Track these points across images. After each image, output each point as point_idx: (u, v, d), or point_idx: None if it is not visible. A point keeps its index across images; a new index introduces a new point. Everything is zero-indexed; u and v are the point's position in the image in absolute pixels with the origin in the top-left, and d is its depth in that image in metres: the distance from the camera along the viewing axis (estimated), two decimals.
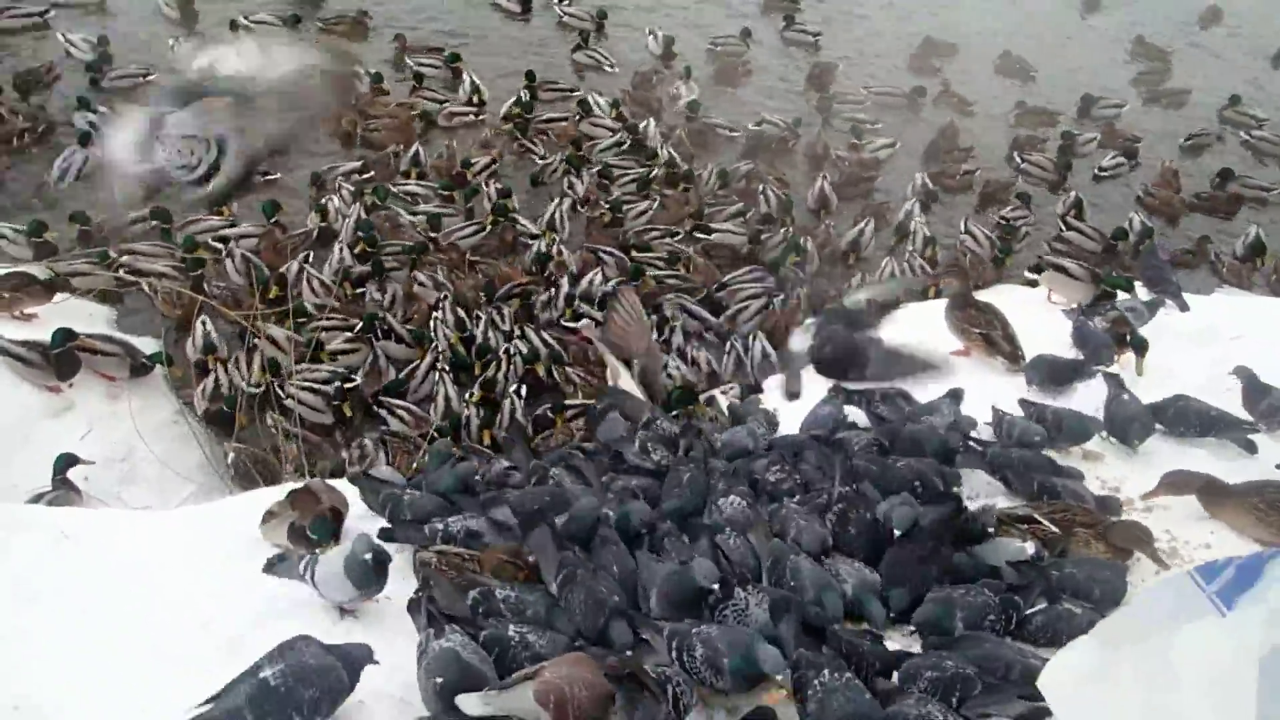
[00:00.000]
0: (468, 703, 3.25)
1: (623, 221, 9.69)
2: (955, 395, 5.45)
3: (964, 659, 3.34)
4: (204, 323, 7.85)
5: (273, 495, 5.49)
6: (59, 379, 7.05)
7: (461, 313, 8.32)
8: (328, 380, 7.59)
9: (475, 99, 11.74)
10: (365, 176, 10.07)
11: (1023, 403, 5.49)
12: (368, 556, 3.77)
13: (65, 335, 7.00)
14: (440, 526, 4.31)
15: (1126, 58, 14.99)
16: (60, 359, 6.99)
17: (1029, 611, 3.75)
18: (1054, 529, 4.22)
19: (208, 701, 3.15)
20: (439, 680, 3.24)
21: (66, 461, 6.36)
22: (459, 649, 3.34)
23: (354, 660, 3.32)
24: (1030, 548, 4.02)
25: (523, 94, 11.72)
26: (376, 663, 3.35)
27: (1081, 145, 12.34)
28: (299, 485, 4.95)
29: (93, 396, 7.25)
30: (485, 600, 3.73)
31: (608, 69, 12.98)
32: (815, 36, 14.34)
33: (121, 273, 8.43)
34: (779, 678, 3.28)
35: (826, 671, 3.22)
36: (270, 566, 4.08)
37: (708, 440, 5.13)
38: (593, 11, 13.98)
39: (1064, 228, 10.46)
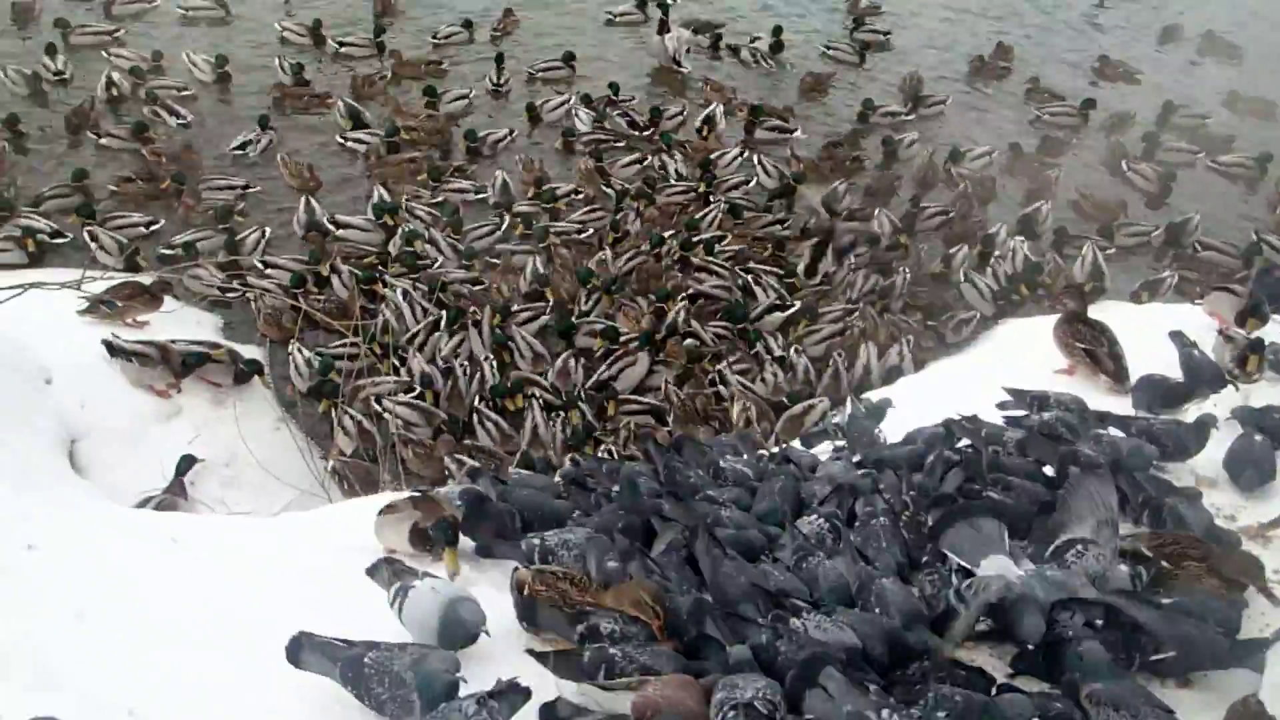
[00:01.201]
0: (567, 689, 3.31)
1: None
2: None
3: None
4: (300, 351, 7.94)
5: (371, 503, 5.63)
6: (177, 377, 7.35)
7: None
8: (393, 392, 7.73)
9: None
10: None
11: (1120, 418, 5.29)
12: (470, 625, 3.65)
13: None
14: (536, 542, 4.25)
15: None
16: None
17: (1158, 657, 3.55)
18: (1164, 564, 4.02)
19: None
20: None
21: (188, 463, 6.57)
22: None
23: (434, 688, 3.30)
24: (1124, 569, 3.86)
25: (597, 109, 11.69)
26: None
27: (1165, 151, 11.93)
28: (422, 491, 5.02)
29: (199, 402, 7.48)
30: (592, 635, 3.70)
31: (679, 68, 12.88)
32: (885, 36, 14.17)
33: (235, 283, 8.68)
34: None
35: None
36: (373, 571, 4.05)
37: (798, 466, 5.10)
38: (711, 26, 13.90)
39: (1198, 248, 10.09)
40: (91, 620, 3.74)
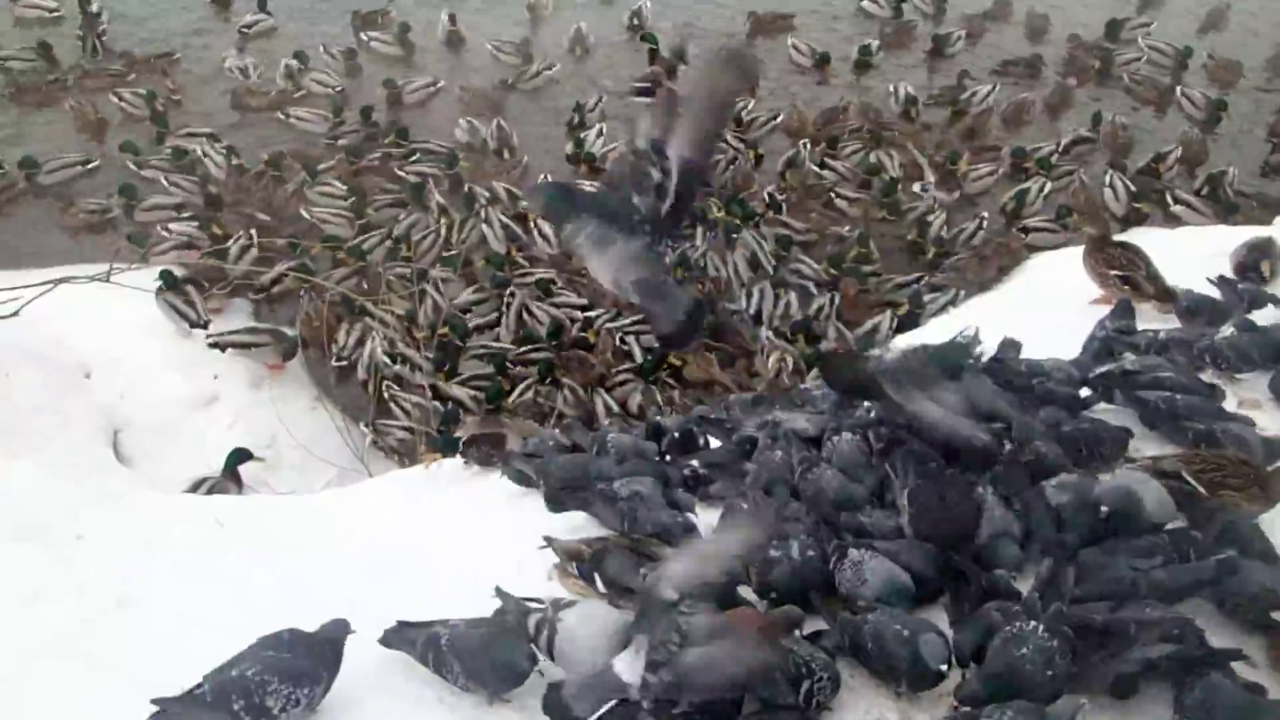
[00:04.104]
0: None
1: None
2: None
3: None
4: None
5: (410, 475, 5.67)
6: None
7: None
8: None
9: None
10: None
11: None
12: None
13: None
14: (610, 493, 4.07)
15: None
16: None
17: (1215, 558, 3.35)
18: (1201, 489, 3.81)
19: None
20: None
21: (239, 458, 6.63)
22: None
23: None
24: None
25: None
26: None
27: (1120, 66, 11.89)
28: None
29: (237, 388, 7.56)
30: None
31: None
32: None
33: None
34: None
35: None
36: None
37: None
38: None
39: None
40: (139, 604, 3.82)
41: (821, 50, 11.96)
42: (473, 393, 7.59)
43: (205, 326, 7.68)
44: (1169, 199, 9.44)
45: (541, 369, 7.72)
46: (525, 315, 8.25)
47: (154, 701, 3.02)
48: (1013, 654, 2.91)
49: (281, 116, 10.64)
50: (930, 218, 9.26)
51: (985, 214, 9.23)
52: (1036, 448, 3.92)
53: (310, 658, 3.14)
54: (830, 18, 13.14)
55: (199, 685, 3.07)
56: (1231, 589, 3.26)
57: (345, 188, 9.49)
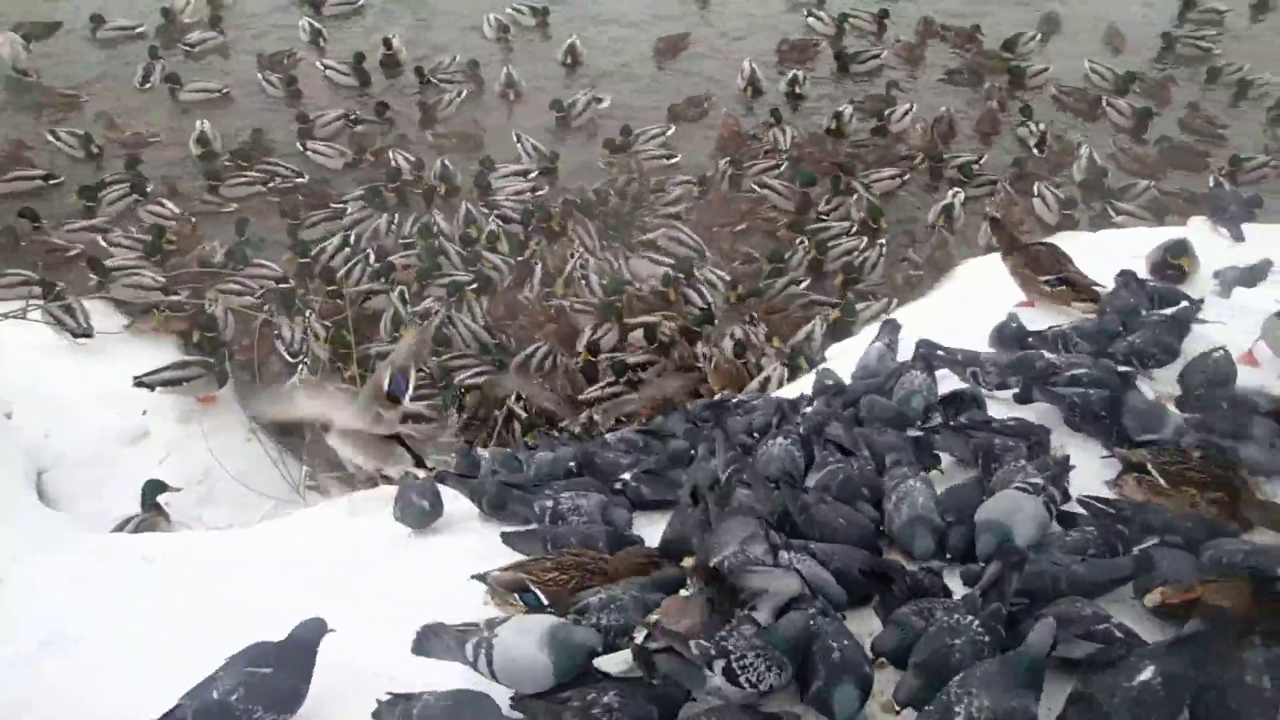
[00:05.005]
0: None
1: None
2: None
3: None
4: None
5: (344, 503, 5.60)
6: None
7: None
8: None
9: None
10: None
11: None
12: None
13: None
14: (550, 504, 4.17)
15: None
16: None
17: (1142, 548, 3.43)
18: (1162, 481, 3.82)
19: None
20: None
21: (155, 489, 6.50)
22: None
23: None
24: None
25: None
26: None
27: (1031, 78, 12.33)
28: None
29: (167, 422, 7.42)
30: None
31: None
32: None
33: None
34: None
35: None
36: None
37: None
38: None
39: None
40: (63, 647, 3.71)
41: (757, 79, 12.28)
42: (427, 402, 7.62)
43: (89, 335, 7.65)
44: (1110, 209, 9.78)
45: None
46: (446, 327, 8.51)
47: None
48: (945, 643, 2.93)
49: (300, 148, 10.81)
50: (837, 241, 9.57)
51: (884, 240, 9.59)
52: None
53: (289, 669, 3.15)
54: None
55: (176, 707, 3.02)
56: (1143, 583, 3.30)
57: (176, 209, 9.73)
